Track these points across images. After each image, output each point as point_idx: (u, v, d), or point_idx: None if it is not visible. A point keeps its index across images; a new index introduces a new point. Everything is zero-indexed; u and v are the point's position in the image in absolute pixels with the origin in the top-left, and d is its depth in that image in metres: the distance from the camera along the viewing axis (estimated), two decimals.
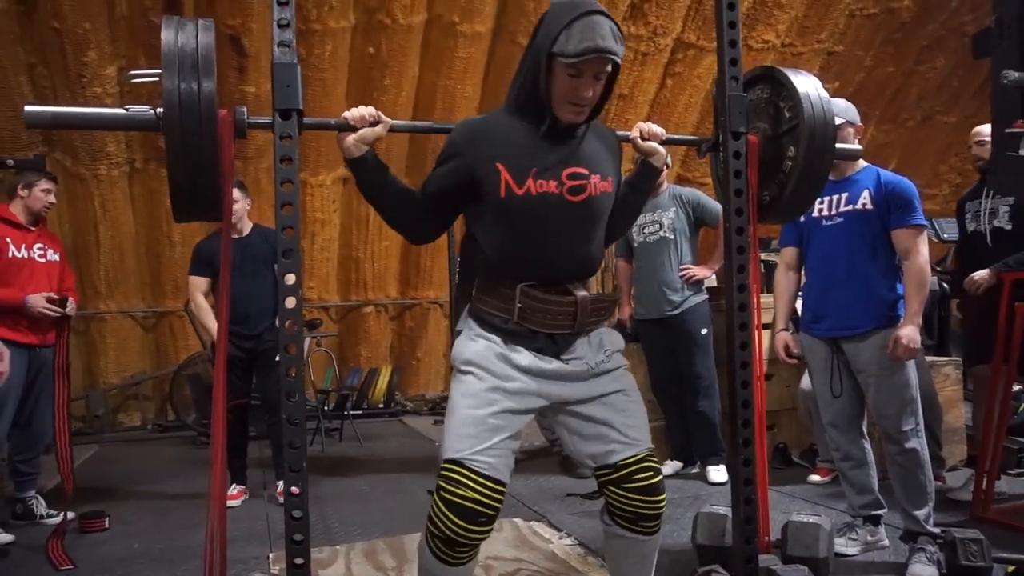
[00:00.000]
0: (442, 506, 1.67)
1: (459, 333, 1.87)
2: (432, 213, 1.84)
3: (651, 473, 1.83)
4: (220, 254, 3.98)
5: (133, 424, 6.98)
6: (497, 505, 1.70)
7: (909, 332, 2.57)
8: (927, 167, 8.93)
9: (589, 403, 1.84)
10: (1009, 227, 3.40)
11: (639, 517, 1.84)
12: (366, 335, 7.58)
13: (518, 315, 1.76)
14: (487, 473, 1.68)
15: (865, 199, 2.70)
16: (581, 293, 1.80)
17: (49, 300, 3.49)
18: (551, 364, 1.80)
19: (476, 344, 1.80)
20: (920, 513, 2.65)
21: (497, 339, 1.79)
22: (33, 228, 3.64)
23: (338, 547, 3.11)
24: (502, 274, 1.78)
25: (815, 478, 3.94)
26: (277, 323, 1.96)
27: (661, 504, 1.84)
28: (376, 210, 1.83)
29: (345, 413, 6.02)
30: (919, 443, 2.67)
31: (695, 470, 4.20)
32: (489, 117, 1.84)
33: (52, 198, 3.67)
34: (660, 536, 1.91)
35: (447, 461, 1.70)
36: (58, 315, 3.53)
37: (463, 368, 1.79)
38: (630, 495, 1.82)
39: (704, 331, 4.07)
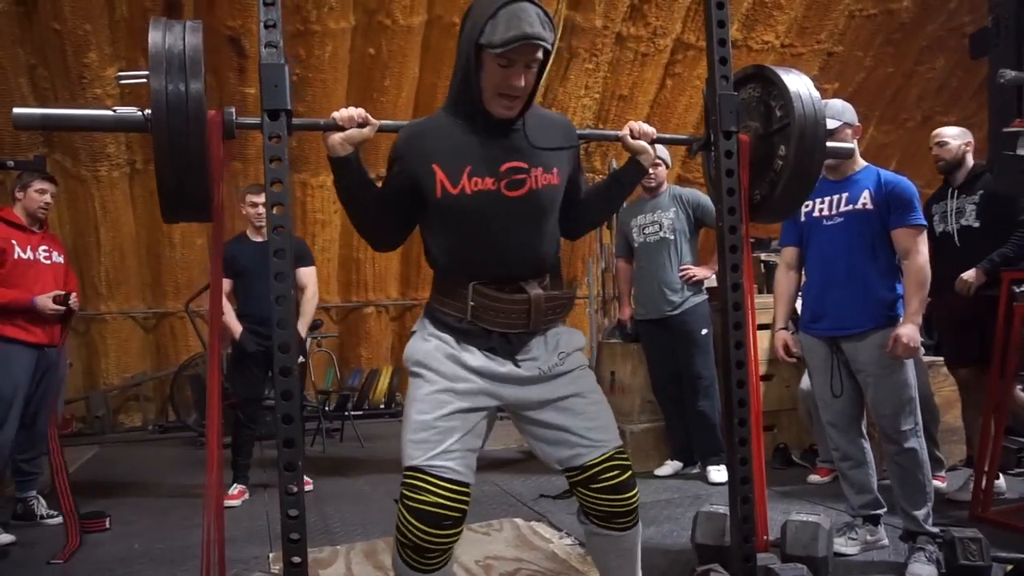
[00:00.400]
0: (407, 514, 1.66)
1: (413, 333, 1.86)
2: (391, 220, 1.82)
3: (617, 472, 1.81)
4: (241, 257, 4.10)
5: (134, 425, 6.99)
6: (462, 507, 1.69)
7: (909, 331, 2.56)
8: (927, 167, 8.81)
9: (544, 409, 1.82)
10: (977, 224, 3.41)
11: (611, 515, 1.83)
12: (367, 336, 7.58)
13: (471, 314, 1.75)
14: (447, 476, 1.67)
15: (865, 199, 2.69)
16: (535, 291, 1.77)
17: (54, 299, 3.50)
18: (503, 367, 1.77)
19: (427, 344, 1.79)
20: (919, 513, 2.64)
21: (450, 339, 1.78)
22: (37, 231, 3.66)
23: (338, 547, 3.12)
24: (455, 274, 1.77)
25: (815, 478, 3.93)
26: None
27: (631, 501, 1.82)
28: (348, 213, 1.81)
29: (346, 414, 6.03)
30: (918, 443, 2.66)
31: (695, 470, 4.19)
32: (431, 119, 1.82)
33: (48, 198, 3.66)
34: (639, 530, 1.90)
35: (406, 468, 1.69)
36: (62, 312, 3.54)
37: (413, 370, 1.79)
38: (599, 495, 1.81)
39: (704, 331, 4.07)
